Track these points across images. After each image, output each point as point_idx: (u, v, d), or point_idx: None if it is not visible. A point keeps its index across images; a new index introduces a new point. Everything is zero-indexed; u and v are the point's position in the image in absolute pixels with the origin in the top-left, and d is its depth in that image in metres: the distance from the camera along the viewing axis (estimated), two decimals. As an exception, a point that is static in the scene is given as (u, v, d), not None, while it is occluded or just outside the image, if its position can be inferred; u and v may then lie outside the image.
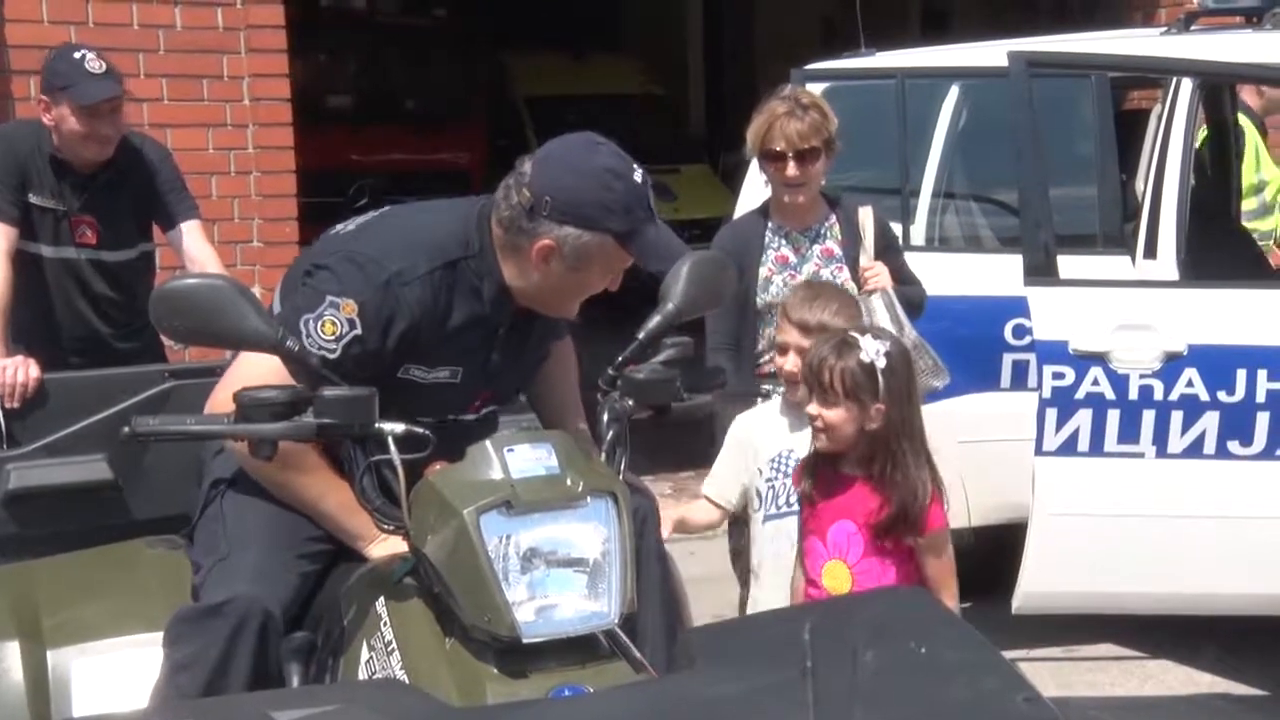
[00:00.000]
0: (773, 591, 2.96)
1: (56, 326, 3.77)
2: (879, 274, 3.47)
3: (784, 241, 3.56)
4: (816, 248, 3.55)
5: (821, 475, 2.70)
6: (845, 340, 2.63)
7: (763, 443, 3.02)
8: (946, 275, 4.21)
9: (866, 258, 3.51)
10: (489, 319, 2.35)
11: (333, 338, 2.20)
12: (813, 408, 2.63)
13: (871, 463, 2.63)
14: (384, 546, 2.22)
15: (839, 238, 3.55)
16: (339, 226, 2.42)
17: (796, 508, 2.87)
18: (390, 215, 2.42)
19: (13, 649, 2.41)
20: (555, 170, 2.24)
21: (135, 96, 5.19)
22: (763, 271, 3.52)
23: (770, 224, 3.57)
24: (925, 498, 2.61)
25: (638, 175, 2.24)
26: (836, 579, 2.67)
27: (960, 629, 1.88)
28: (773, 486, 2.95)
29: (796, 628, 1.81)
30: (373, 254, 2.26)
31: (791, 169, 3.42)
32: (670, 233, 2.30)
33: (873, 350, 2.59)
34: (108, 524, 2.85)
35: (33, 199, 3.68)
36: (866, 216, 3.55)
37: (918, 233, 4.83)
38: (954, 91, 4.94)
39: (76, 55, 3.67)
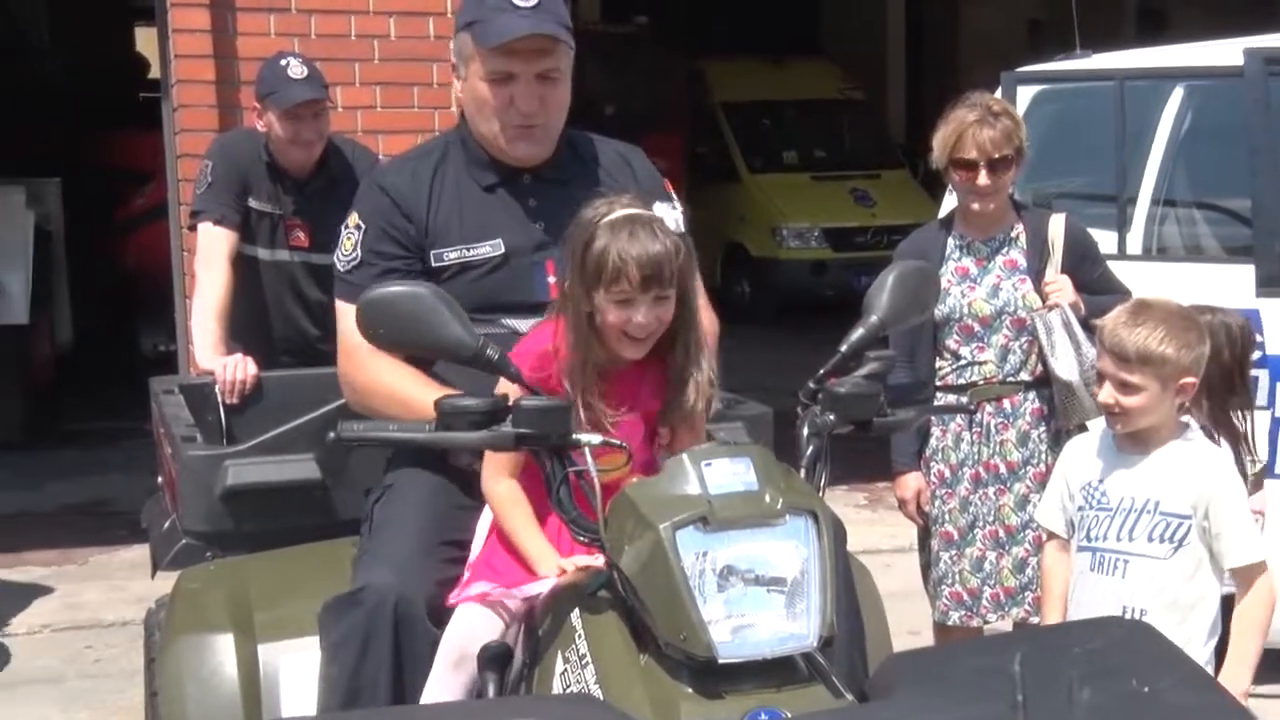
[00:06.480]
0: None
1: (269, 327, 3.92)
2: (1061, 289, 3.32)
3: (965, 252, 3.45)
4: (999, 258, 3.43)
5: None
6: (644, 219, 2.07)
7: (1074, 470, 2.84)
8: (1165, 286, 3.97)
9: (1052, 270, 3.37)
10: (498, 184, 2.52)
11: (350, 249, 2.52)
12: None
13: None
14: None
15: (1024, 248, 3.42)
16: None
17: (1097, 543, 2.71)
18: None
19: (227, 642, 2.51)
20: None
21: (350, 104, 5.40)
22: (941, 283, 3.41)
23: (954, 234, 3.48)
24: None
25: None
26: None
27: (1188, 667, 1.76)
28: (1083, 515, 2.76)
29: (1005, 658, 1.73)
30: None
31: (983, 177, 3.33)
32: (531, 15, 2.35)
33: (672, 220, 2.11)
34: (314, 523, 2.94)
35: (252, 204, 3.85)
36: (1057, 226, 3.41)
37: (1135, 241, 4.61)
38: (1178, 93, 4.70)
39: (282, 62, 3.83)
